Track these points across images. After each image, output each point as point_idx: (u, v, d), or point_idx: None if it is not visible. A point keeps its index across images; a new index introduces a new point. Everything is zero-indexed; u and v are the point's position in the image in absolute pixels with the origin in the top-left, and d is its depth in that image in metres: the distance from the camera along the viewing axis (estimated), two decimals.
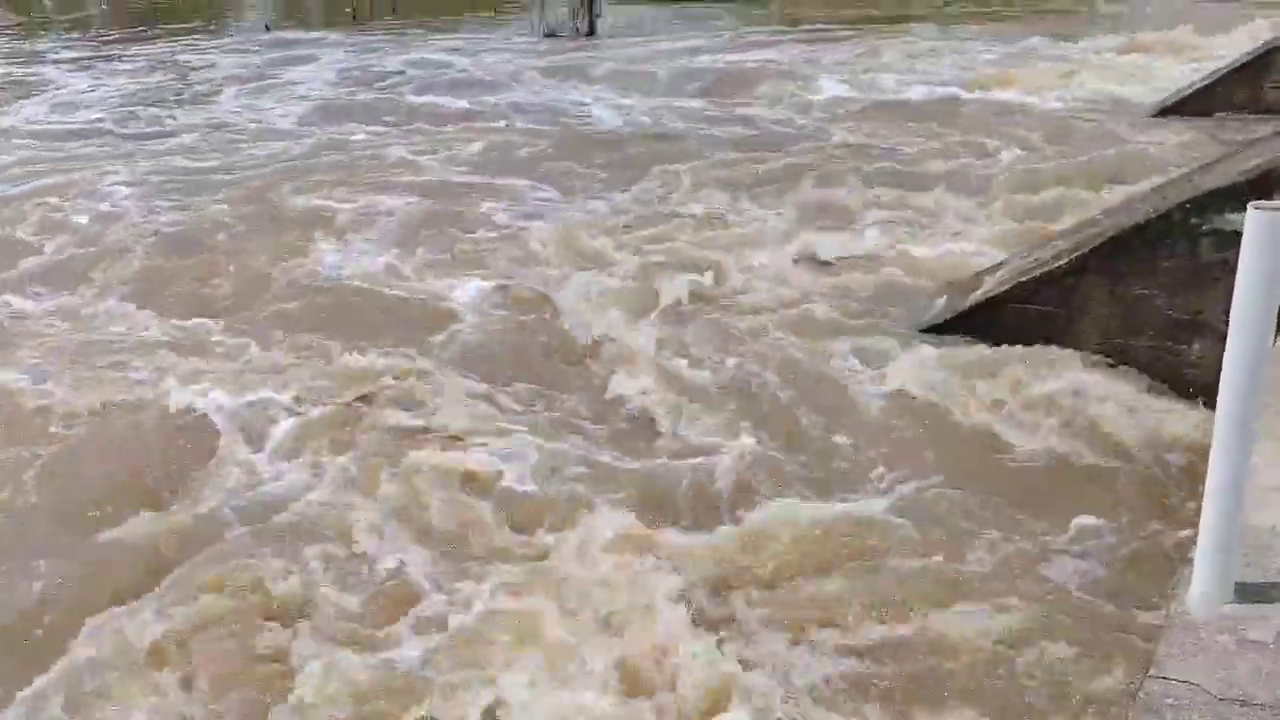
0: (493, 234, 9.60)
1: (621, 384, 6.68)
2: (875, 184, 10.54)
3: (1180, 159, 10.42)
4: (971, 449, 5.82)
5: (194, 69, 20.37)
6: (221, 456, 5.85)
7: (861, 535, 4.89)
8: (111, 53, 22.98)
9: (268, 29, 26.30)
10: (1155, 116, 12.96)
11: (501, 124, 14.38)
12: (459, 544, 5.01)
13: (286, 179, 11.56)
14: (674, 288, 8.10)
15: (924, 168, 11.11)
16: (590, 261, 8.85)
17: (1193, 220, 6.39)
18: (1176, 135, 11.86)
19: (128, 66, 20.86)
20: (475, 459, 5.69)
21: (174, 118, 15.55)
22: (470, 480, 5.52)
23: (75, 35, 26.76)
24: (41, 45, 24.79)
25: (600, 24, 23.07)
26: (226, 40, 24.59)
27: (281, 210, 10.46)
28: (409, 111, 15.50)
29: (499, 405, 6.41)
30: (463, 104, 15.99)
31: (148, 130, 14.76)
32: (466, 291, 8.21)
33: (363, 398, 6.43)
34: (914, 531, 4.91)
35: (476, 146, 13.05)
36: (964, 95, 14.88)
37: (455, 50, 21.56)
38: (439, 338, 7.38)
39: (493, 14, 26.69)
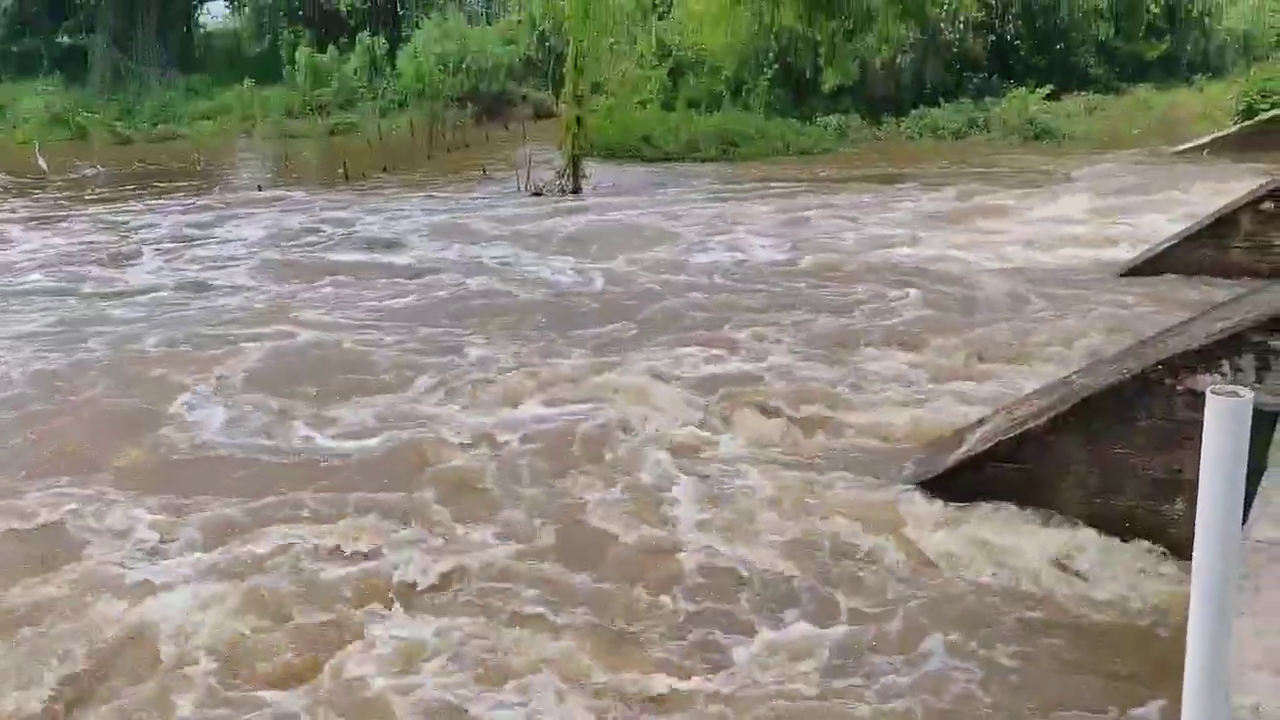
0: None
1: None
2: (822, 344, 10.78)
3: (1149, 320, 10.65)
4: (952, 617, 5.73)
5: (143, 228, 20.84)
6: None
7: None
8: (72, 213, 23.38)
9: (260, 189, 26.96)
10: (1124, 276, 13.29)
11: (425, 279, 14.89)
12: None
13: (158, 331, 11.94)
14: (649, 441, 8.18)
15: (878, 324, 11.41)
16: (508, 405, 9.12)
17: (1166, 381, 6.49)
18: (1145, 295, 12.17)
19: (79, 226, 21.32)
20: None
21: (85, 276, 15.94)
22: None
23: (51, 195, 27.30)
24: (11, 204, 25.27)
25: (585, 184, 23.76)
26: (199, 200, 25.08)
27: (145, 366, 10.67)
28: (330, 267, 15.96)
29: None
30: (400, 259, 16.56)
31: (49, 286, 15.32)
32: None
33: None
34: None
35: (390, 301, 13.49)
36: (901, 252, 15.39)
37: (427, 207, 22.27)
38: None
39: (482, 173, 27.46)
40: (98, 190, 28.02)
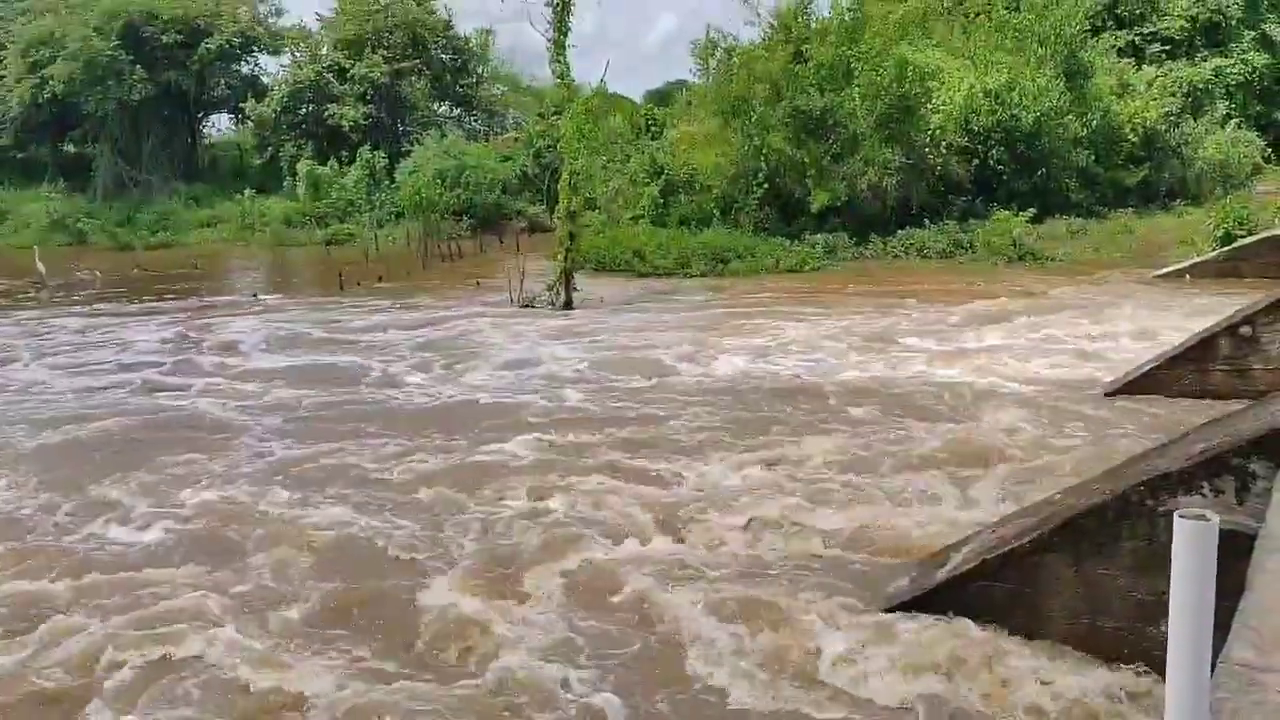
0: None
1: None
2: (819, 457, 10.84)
3: (1134, 440, 10.77)
4: None
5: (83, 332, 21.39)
6: None
7: None
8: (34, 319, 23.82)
9: (255, 296, 27.25)
10: (1108, 395, 13.45)
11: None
12: None
13: None
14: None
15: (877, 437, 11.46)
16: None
17: (1148, 502, 6.54)
18: (1127, 415, 12.31)
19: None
20: None
21: None
22: None
23: (40, 302, 27.55)
24: None
25: (576, 297, 24.06)
26: (176, 305, 25.35)
27: None
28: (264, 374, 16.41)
29: None
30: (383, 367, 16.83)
31: None
32: None
33: None
34: None
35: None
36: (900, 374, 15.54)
37: (417, 318, 22.71)
38: None
39: (476, 285, 27.81)
40: (84, 296, 28.33)
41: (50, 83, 43.38)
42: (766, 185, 32.02)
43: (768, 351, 17.57)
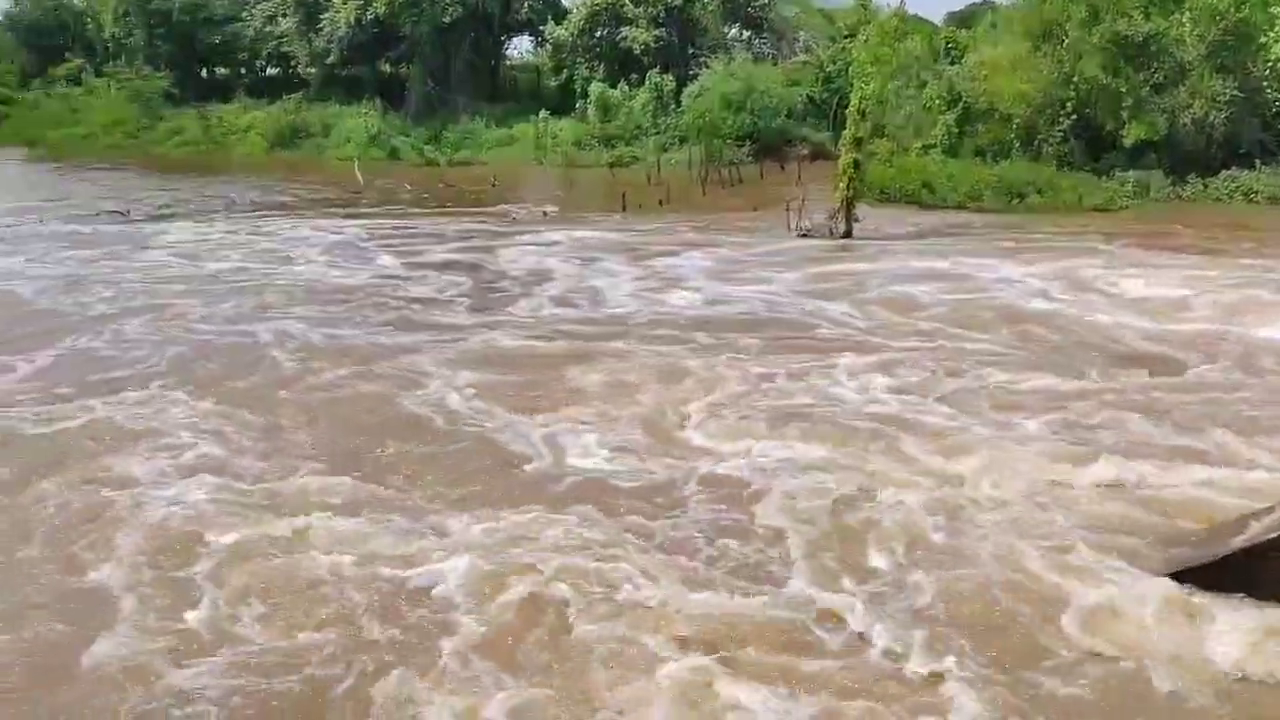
0: None
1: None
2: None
3: None
4: None
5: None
6: None
7: None
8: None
9: (545, 214, 28.31)
10: None
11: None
12: None
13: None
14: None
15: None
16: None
17: None
18: None
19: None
20: None
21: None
22: None
23: (347, 209, 29.81)
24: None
25: (857, 228, 23.34)
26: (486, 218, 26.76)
27: None
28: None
29: None
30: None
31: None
32: None
33: None
34: None
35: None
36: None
37: (692, 239, 23.01)
38: None
39: (753, 210, 27.58)
40: (402, 202, 30.55)
41: (373, 5, 46.48)
42: (1075, 116, 29.67)
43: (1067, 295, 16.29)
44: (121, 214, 28.85)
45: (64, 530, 8.53)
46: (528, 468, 9.79)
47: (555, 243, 23.28)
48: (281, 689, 6.38)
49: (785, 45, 48.88)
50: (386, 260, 21.48)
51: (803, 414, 10.98)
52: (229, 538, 8.29)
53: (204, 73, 60.67)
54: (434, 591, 7.47)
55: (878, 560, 7.75)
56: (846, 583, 7.45)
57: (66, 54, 65.41)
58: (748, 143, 37.32)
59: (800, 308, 16.41)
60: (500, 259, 21.51)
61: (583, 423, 10.89)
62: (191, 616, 7.17)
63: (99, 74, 61.07)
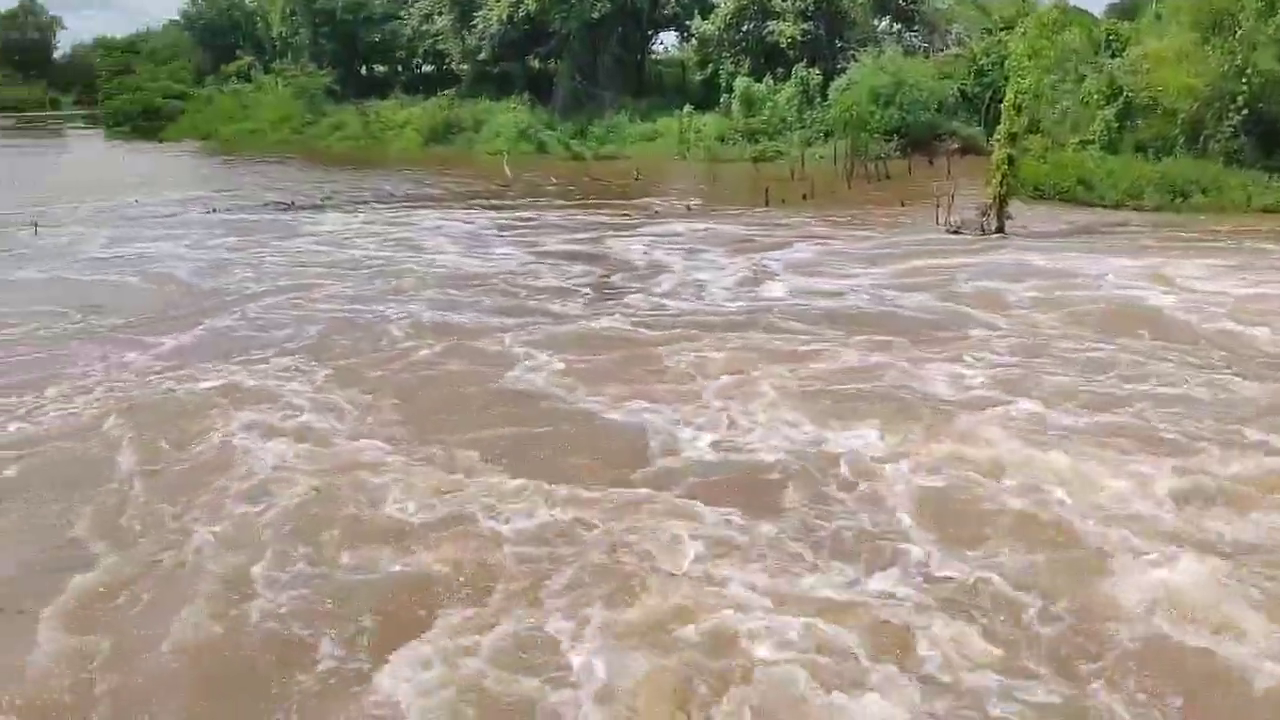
0: None
1: None
2: None
3: None
4: None
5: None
6: None
7: None
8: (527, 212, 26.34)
9: (688, 208, 28.57)
10: None
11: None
12: None
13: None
14: None
15: None
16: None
17: None
18: None
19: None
20: None
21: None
22: None
23: (490, 202, 30.63)
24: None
25: (1009, 225, 22.83)
26: (619, 208, 27.16)
27: None
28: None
29: None
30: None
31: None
32: None
33: None
34: None
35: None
36: None
37: (836, 234, 23.07)
38: None
39: (900, 206, 27.22)
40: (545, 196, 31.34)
41: (524, 2, 47.58)
42: (1246, 111, 28.19)
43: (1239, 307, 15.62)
44: (286, 205, 30.49)
45: (173, 477, 9.92)
46: (626, 447, 10.42)
47: (695, 235, 23.55)
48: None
49: (937, 38, 47.84)
50: (518, 250, 22.40)
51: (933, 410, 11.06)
52: (299, 488, 9.50)
53: (363, 70, 63.18)
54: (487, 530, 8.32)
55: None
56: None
57: (238, 52, 69.11)
58: (895, 137, 36.74)
59: (948, 308, 16.24)
60: (633, 251, 22.10)
61: (688, 406, 11.50)
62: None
63: (267, 71, 64.38)
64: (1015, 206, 23.39)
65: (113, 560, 8.34)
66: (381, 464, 10.04)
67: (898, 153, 36.33)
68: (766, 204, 28.42)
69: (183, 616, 7.42)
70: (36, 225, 26.44)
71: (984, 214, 23.02)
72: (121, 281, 19.74)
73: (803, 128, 40.71)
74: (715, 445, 10.37)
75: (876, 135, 35.56)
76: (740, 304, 16.87)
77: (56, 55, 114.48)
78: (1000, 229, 22.70)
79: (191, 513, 9.10)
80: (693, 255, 21.37)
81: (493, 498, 9.18)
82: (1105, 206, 26.65)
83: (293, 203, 30.86)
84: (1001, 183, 22.77)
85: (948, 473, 9.45)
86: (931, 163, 35.78)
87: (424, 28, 56.17)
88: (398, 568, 8.08)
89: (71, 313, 16.74)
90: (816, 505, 8.96)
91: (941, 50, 46.59)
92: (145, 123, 63.59)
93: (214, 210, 29.43)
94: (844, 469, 9.65)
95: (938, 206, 23.68)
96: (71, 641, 7.16)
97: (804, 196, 29.46)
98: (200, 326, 15.90)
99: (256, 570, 8.07)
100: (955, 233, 22.87)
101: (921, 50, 46.50)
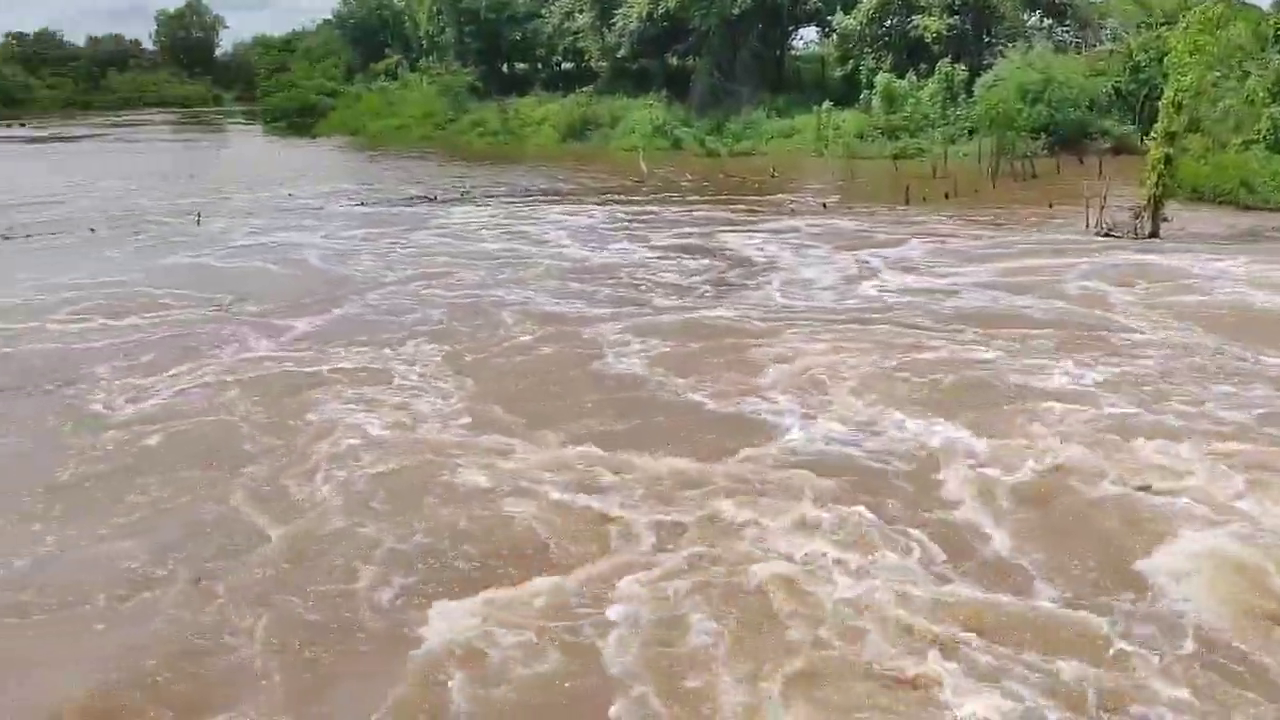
0: None
1: None
2: None
3: None
4: None
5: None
6: None
7: None
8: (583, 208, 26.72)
9: (824, 206, 28.24)
10: None
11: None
12: None
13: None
14: None
15: None
16: None
17: None
18: None
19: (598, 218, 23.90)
20: None
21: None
22: None
23: (624, 199, 30.83)
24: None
25: (1164, 229, 21.86)
26: (761, 210, 27.01)
27: None
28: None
29: None
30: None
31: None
32: None
33: None
34: None
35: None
36: None
37: (981, 234, 22.70)
38: None
39: (1048, 207, 26.35)
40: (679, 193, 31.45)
41: (665, 0, 47.80)
42: None
43: None
44: (428, 198, 31.57)
45: (275, 442, 10.87)
46: (728, 432, 10.83)
47: (820, 231, 23.32)
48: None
49: (1090, 33, 46.08)
50: (639, 245, 22.77)
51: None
52: (395, 458, 10.30)
53: (505, 68, 64.51)
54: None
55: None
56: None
57: (386, 50, 71.45)
58: (1043, 135, 35.57)
59: (1090, 313, 15.71)
60: (749, 247, 22.20)
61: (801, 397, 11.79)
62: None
63: (413, 69, 66.37)
64: (1172, 209, 22.37)
65: (266, 521, 9.03)
66: (504, 447, 10.49)
67: (1045, 151, 35.14)
68: (907, 202, 27.89)
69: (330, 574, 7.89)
70: (199, 216, 28.02)
71: (1138, 216, 22.08)
72: (263, 268, 21.10)
73: (946, 125, 39.80)
74: (821, 435, 10.63)
75: (1023, 133, 34.48)
76: (855, 300, 17.01)
77: (218, 53, 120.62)
78: (1155, 232, 21.75)
79: (316, 481, 9.84)
80: (805, 251, 21.46)
81: (604, 470, 9.76)
82: (1270, 210, 25.25)
83: (435, 196, 31.89)
84: (1157, 183, 21.79)
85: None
86: (1081, 162, 34.50)
87: (565, 25, 57.01)
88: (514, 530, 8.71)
89: (213, 297, 17.94)
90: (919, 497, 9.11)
91: (1094, 46, 44.85)
92: (299, 119, 66.39)
93: (362, 203, 30.68)
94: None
95: (1088, 208, 22.83)
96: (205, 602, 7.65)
97: (946, 195, 28.79)
98: (328, 309, 17.03)
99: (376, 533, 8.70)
100: (1107, 235, 22.02)
101: (1073, 46, 44.87)
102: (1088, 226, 22.58)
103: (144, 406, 12.14)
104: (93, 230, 25.89)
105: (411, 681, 6.63)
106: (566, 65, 62.61)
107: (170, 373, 13.38)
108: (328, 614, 7.48)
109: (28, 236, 25.14)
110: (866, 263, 19.97)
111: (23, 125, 79.32)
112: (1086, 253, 20.18)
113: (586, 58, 57.68)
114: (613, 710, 6.26)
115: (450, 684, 6.58)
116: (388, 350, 14.27)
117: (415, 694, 6.52)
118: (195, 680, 6.75)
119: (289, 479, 9.88)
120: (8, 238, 24.98)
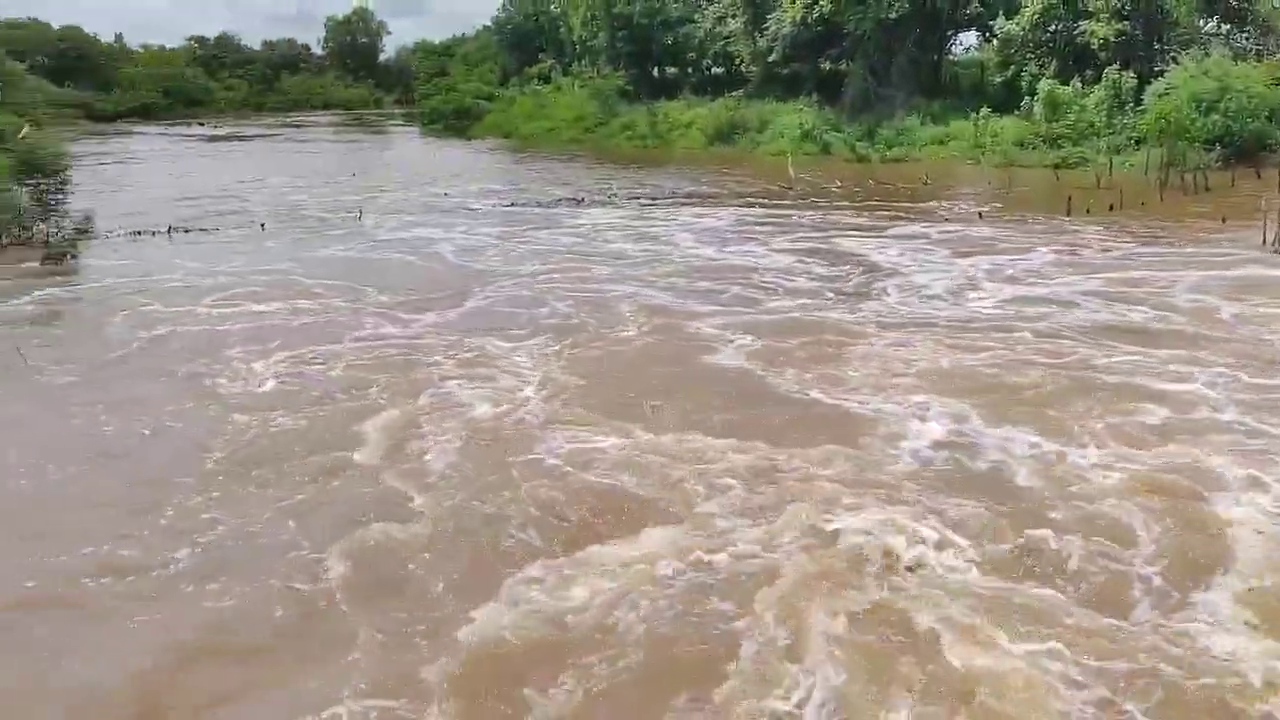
0: None
1: None
2: None
3: None
4: None
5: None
6: None
7: None
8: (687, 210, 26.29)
9: (980, 215, 27.43)
10: None
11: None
12: None
13: None
14: None
15: None
16: None
17: None
18: None
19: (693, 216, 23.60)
20: None
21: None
22: None
23: (764, 203, 30.54)
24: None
25: None
26: (896, 213, 26.39)
27: None
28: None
29: None
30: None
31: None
32: None
33: None
34: None
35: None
36: None
37: (1154, 249, 21.81)
38: None
39: (1220, 222, 24.95)
40: (827, 199, 31.05)
41: (819, 4, 47.28)
42: None
43: None
44: (577, 200, 32.10)
45: (399, 416, 11.91)
46: (842, 429, 11.16)
47: (960, 239, 22.66)
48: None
49: (1272, 40, 43.41)
50: (763, 249, 22.99)
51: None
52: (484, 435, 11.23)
53: (655, 72, 65.00)
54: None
55: None
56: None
57: (540, 55, 72.99)
58: (1217, 146, 33.70)
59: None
60: (886, 254, 21.84)
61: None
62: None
63: (566, 73, 67.58)
64: None
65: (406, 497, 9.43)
66: (629, 433, 11.10)
67: (1219, 163, 33.29)
68: (1068, 213, 26.84)
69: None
70: (361, 212, 29.27)
71: None
72: (408, 261, 22.33)
73: (1111, 134, 38.15)
74: (934, 442, 10.75)
75: (1196, 144, 32.75)
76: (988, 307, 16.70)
77: (381, 58, 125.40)
78: None
79: (452, 454, 10.70)
80: (950, 262, 21.20)
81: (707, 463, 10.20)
82: None
83: (582, 199, 32.42)
84: None
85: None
86: (1259, 175, 32.54)
87: (716, 30, 57.05)
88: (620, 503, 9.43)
89: (356, 287, 19.06)
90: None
91: (1275, 53, 42.24)
92: (456, 121, 68.43)
93: (512, 203, 31.52)
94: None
95: (1264, 223, 21.53)
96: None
97: (1110, 207, 27.57)
98: (458, 300, 18.06)
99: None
100: None
101: (1253, 53, 42.37)
102: (1264, 244, 21.28)
103: (284, 384, 13.26)
104: (263, 226, 27.29)
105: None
106: (716, 69, 62.65)
107: (308, 356, 14.45)
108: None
109: (202, 230, 26.73)
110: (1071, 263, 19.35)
111: (201, 125, 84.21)
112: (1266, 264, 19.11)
113: (737, 62, 57.59)
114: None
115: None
116: (515, 340, 15.10)
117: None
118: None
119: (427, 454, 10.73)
120: (187, 230, 26.62)
